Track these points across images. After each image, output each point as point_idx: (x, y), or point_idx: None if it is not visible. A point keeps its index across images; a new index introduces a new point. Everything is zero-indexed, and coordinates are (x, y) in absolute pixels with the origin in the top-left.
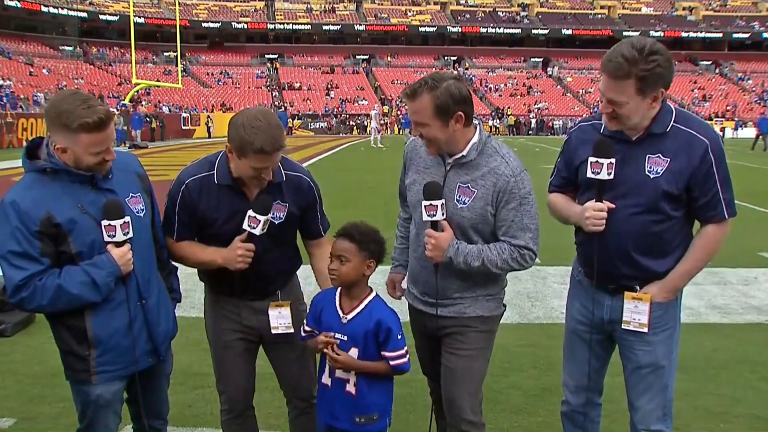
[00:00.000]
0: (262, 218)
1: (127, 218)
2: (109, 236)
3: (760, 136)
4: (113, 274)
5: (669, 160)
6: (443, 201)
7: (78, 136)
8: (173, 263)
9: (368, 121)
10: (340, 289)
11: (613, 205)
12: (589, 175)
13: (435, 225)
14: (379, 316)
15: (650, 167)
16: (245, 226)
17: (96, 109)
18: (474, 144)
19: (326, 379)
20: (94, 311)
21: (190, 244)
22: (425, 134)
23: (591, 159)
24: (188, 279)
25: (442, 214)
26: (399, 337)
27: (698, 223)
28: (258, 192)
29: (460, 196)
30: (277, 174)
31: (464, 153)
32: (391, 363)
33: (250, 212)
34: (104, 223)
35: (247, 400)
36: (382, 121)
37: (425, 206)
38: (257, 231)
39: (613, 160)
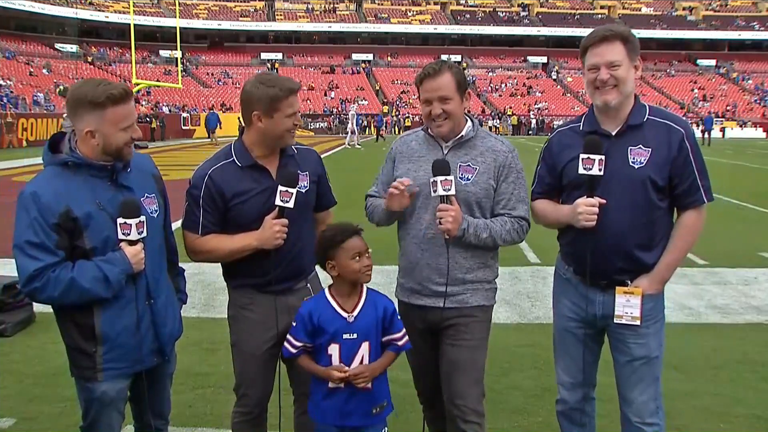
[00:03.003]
0: (293, 190)
1: (143, 217)
2: (123, 234)
3: (705, 133)
4: (125, 271)
5: (651, 150)
6: (453, 176)
7: (105, 111)
8: (180, 265)
9: (347, 121)
10: (330, 293)
11: (604, 201)
12: (581, 171)
13: (443, 201)
14: (384, 303)
15: (633, 158)
16: (278, 201)
17: (116, 84)
18: (470, 126)
19: (333, 384)
20: (103, 308)
21: (217, 236)
22: (448, 109)
23: (582, 156)
24: (188, 279)
25: (453, 190)
26: (399, 317)
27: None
28: (278, 167)
29: (462, 174)
30: (288, 147)
31: (462, 134)
32: (400, 344)
33: (281, 187)
34: (120, 221)
35: (266, 403)
36: (363, 122)
37: (441, 181)
38: (290, 204)
39: (603, 157)
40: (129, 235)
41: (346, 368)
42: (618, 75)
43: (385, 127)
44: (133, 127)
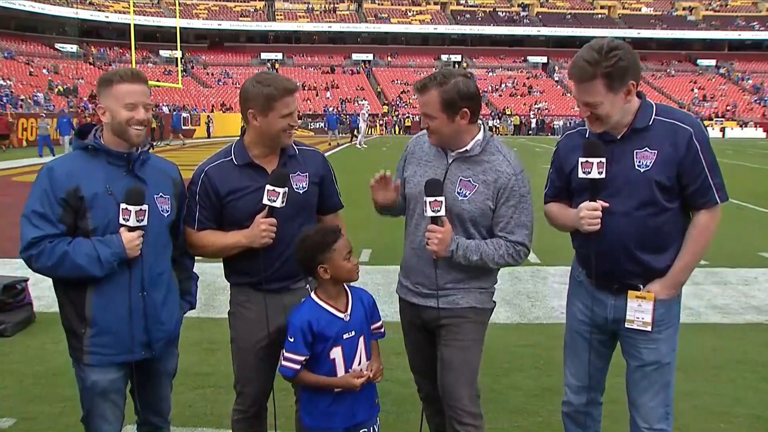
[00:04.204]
0: (280, 190)
1: (145, 207)
2: (123, 219)
3: None
4: (118, 255)
5: (656, 151)
6: (444, 197)
7: (112, 88)
8: (194, 271)
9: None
10: (316, 297)
11: (606, 204)
12: (581, 175)
13: (435, 221)
14: (367, 297)
15: (639, 161)
16: (265, 200)
17: (132, 68)
18: (478, 141)
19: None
20: (96, 292)
21: (212, 232)
22: (431, 126)
23: (581, 159)
24: None
25: (443, 210)
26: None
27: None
28: (276, 166)
29: (461, 189)
30: (289, 148)
31: (468, 148)
32: (381, 331)
33: (268, 186)
34: (122, 206)
35: (264, 401)
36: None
37: (430, 202)
38: (278, 203)
39: (603, 159)
40: (128, 221)
41: (365, 372)
42: (599, 113)
43: (386, 127)
44: (137, 109)
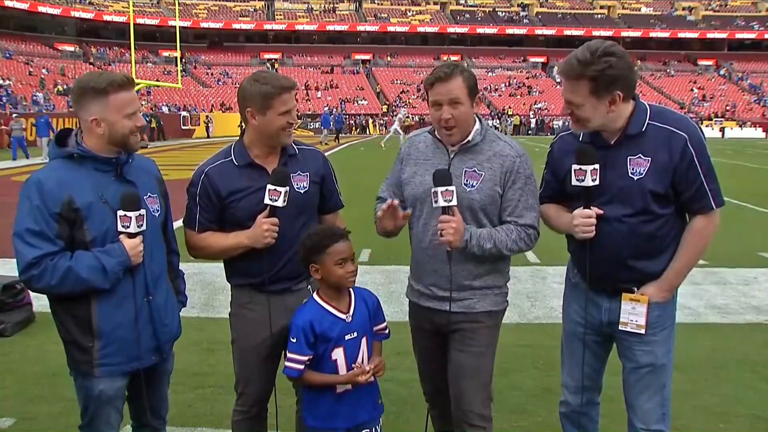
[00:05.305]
0: (282, 189)
1: (143, 211)
2: (123, 227)
3: None
4: (123, 263)
5: (650, 159)
6: (454, 187)
7: (108, 98)
8: (181, 269)
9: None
10: (318, 298)
11: (601, 211)
12: (574, 183)
13: (446, 211)
14: (371, 298)
15: (633, 169)
16: (267, 200)
17: (118, 73)
18: (477, 130)
19: (341, 388)
20: (100, 302)
21: (213, 233)
22: (456, 114)
23: (574, 167)
24: (188, 279)
25: (455, 200)
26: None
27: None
28: (276, 166)
29: (468, 180)
30: (289, 147)
31: (469, 138)
32: (385, 332)
33: (270, 185)
34: (120, 213)
35: (265, 401)
36: (404, 124)
37: (441, 192)
38: (279, 203)
39: (596, 166)
40: (128, 227)
41: (367, 367)
42: (579, 114)
43: (386, 127)
44: (136, 116)
